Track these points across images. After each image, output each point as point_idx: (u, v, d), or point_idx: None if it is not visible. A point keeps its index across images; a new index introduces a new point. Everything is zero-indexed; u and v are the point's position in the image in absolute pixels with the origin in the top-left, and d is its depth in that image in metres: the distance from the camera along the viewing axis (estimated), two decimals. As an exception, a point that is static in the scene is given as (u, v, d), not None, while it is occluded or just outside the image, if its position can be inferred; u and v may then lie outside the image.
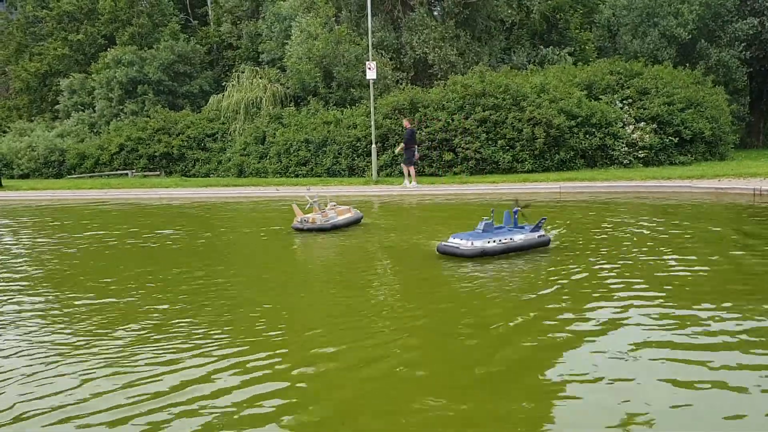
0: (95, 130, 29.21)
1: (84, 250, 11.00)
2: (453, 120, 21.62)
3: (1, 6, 39.82)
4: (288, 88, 26.54)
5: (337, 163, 23.04)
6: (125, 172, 26.21)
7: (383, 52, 25.88)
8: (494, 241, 8.91)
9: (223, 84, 28.97)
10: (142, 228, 13.77)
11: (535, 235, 9.20)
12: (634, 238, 9.87)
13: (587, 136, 21.14)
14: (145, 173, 25.96)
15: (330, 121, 23.74)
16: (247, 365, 5.05)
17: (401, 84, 25.58)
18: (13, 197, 22.59)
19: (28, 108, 34.30)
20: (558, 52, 27.71)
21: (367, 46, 22.97)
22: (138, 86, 28.81)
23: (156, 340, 5.75)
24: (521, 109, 21.39)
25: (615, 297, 6.57)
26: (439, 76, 25.47)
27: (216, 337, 5.79)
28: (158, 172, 26.02)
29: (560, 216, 12.75)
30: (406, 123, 20.08)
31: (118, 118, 28.71)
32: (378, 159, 21.63)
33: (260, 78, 26.86)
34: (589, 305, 6.34)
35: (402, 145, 19.81)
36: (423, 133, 21.71)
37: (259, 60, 29.01)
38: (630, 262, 8.13)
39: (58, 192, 22.72)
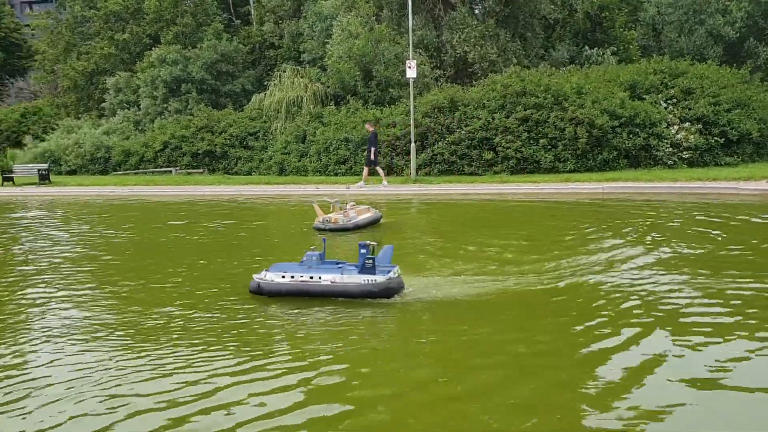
0: (140, 128, 29.78)
1: (144, 242, 11.28)
2: (494, 119, 21.52)
3: (51, 6, 40.91)
4: (328, 87, 26.71)
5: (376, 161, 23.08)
6: (169, 169, 26.68)
7: (423, 50, 25.87)
8: (291, 277, 7.15)
9: (264, 83, 29.28)
10: (188, 222, 14.05)
11: (362, 278, 6.98)
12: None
13: (631, 136, 20.81)
14: (189, 171, 26.39)
15: (369, 119, 23.81)
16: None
17: (441, 82, 25.54)
18: (61, 192, 23.21)
19: (75, 106, 35.11)
20: (601, 53, 27.31)
21: (407, 44, 22.98)
22: (182, 85, 29.30)
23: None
24: (563, 108, 21.17)
25: None
26: (479, 75, 25.36)
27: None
28: (201, 170, 26.43)
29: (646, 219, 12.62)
30: (368, 126, 21.00)
31: (163, 116, 29.22)
32: (417, 158, 21.64)
33: (301, 77, 27.07)
34: None
35: (374, 149, 20.33)
36: (463, 132, 21.66)
37: (301, 59, 29.24)
38: None
39: (104, 188, 23.27)
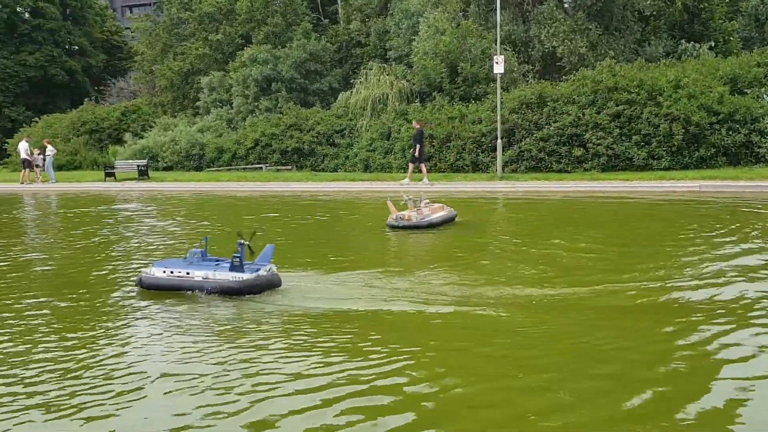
0: (232, 126, 30.75)
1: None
2: (584, 114, 20.99)
3: (149, 9, 42.83)
4: (414, 84, 26.77)
5: (461, 158, 22.99)
6: (259, 166, 27.45)
7: (510, 45, 25.51)
8: (170, 272, 7.49)
9: (351, 81, 29.64)
10: (274, 216, 14.42)
11: (230, 275, 7.25)
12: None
13: (730, 132, 19.83)
14: (278, 167, 27.06)
15: (454, 116, 23.72)
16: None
17: (528, 78, 25.12)
18: (159, 187, 24.28)
19: (171, 104, 36.62)
20: (699, 47, 26.08)
21: (494, 40, 22.73)
22: (272, 84, 30.05)
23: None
24: (657, 104, 20.42)
25: None
26: (567, 69, 24.78)
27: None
28: (290, 167, 27.04)
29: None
30: (415, 124, 21.11)
31: (254, 114, 30.07)
32: (503, 154, 21.38)
33: (387, 75, 27.25)
34: None
35: (419, 146, 20.53)
36: (551, 128, 21.24)
37: (387, 57, 29.43)
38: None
39: (198, 184, 24.18)
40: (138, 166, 27.60)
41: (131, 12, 72.82)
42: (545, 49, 25.47)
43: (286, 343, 5.68)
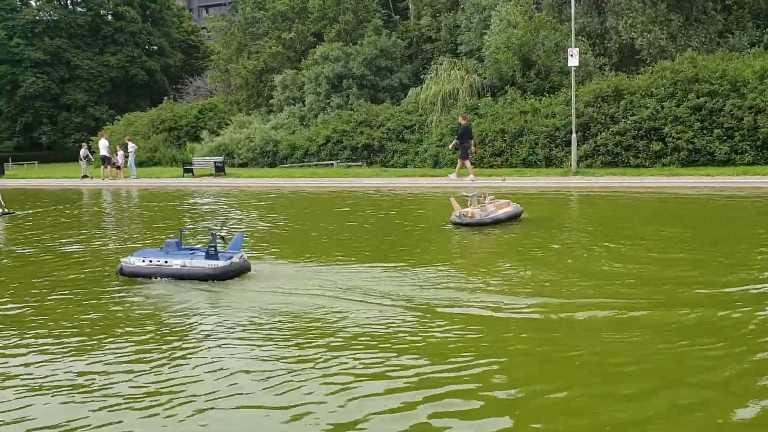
0: (305, 123, 31.24)
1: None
2: (662, 107, 20.34)
3: (224, 9, 43.93)
4: (485, 78, 26.54)
5: (534, 153, 22.66)
6: (331, 162, 27.80)
7: (585, 38, 24.95)
8: (147, 261, 8.15)
9: (421, 77, 29.62)
10: (348, 210, 14.59)
11: (206, 263, 7.85)
12: None
13: (822, 124, 18.83)
14: (349, 164, 27.34)
15: (527, 110, 23.39)
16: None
17: (604, 71, 24.50)
18: (235, 183, 24.93)
19: (246, 102, 37.48)
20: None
21: (569, 32, 22.28)
22: (343, 81, 30.36)
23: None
24: (741, 95, 19.58)
25: None
26: (647, 62, 24.03)
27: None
28: (360, 163, 27.28)
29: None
30: (461, 119, 21.28)
31: (325, 112, 30.46)
32: (578, 149, 20.96)
33: (458, 69, 27.10)
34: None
35: (456, 141, 21.02)
36: (628, 122, 20.68)
37: (458, 51, 29.26)
38: None
39: (272, 180, 24.70)
40: (215, 162, 28.41)
41: (207, 12, 74.84)
42: (622, 41, 24.79)
43: (362, 341, 5.73)
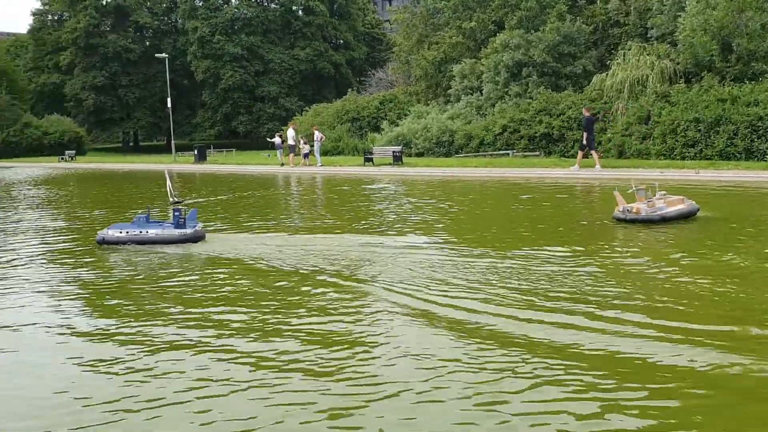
0: (481, 112, 31.05)
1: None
2: None
3: (407, 1, 44.71)
4: (678, 63, 24.70)
5: (732, 144, 20.77)
6: (506, 152, 27.41)
7: (799, 16, 22.35)
8: (125, 233, 10.52)
9: (607, 63, 28.24)
10: (514, 201, 14.33)
11: (176, 231, 10.36)
12: None
13: None
14: (525, 153, 26.79)
15: (725, 98, 21.47)
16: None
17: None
18: (412, 172, 25.40)
19: (425, 93, 37.97)
20: None
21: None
22: (523, 69, 29.74)
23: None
24: None
25: None
26: None
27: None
28: (537, 153, 26.62)
29: None
30: (585, 111, 21.72)
31: (503, 101, 30.05)
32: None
33: (647, 54, 25.48)
34: None
35: (586, 134, 21.27)
36: None
37: (647, 36, 27.51)
38: None
39: (447, 169, 24.85)
40: (393, 152, 29.13)
41: (390, 4, 76.68)
42: (844, 18, 21.93)
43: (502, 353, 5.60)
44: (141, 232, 10.49)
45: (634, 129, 23.74)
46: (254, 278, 8.04)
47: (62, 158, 52.74)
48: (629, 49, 26.30)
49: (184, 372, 5.01)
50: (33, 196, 22.20)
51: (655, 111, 23.34)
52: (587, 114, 21.57)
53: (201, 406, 4.37)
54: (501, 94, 30.44)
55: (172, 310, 6.79)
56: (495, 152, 27.89)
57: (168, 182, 15.79)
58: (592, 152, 21.52)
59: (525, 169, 22.72)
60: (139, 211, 11.64)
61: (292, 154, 31.69)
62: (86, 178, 34.47)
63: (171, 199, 15.71)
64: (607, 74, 26.52)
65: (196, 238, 10.47)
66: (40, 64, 77.47)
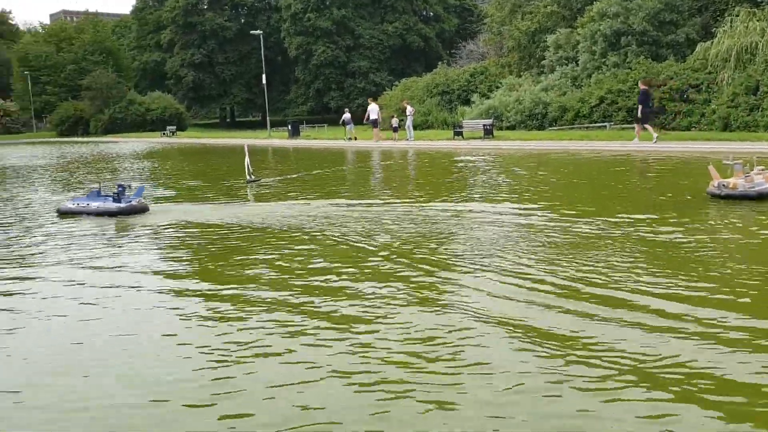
0: (576, 84, 30.24)
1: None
2: None
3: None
4: (793, 29, 23.20)
5: None
6: (603, 124, 26.64)
7: None
8: (75, 204, 12.19)
9: (712, 30, 26.83)
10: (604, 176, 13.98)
11: (113, 204, 11.65)
12: None
13: None
14: (623, 126, 25.95)
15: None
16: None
17: None
18: (504, 146, 25.14)
19: (518, 64, 37.26)
20: None
21: None
22: (621, 38, 28.68)
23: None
24: None
25: None
26: None
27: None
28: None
29: None
30: (641, 84, 21.56)
31: (600, 71, 29.15)
32: None
33: (758, 20, 24.05)
34: None
35: (641, 107, 21.10)
36: None
37: (759, 1, 25.92)
38: None
39: (540, 143, 24.42)
40: (483, 125, 28.86)
41: (482, -24, 75.24)
42: None
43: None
44: (87, 204, 12.00)
45: (741, 100, 22.53)
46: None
47: (164, 133, 55.27)
48: (737, 15, 24.91)
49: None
50: (136, 169, 23.52)
51: (764, 81, 22.06)
52: (644, 87, 21.33)
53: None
54: (598, 65, 29.52)
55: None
56: (591, 125, 27.16)
57: (246, 159, 16.35)
58: (646, 125, 21.25)
59: (622, 142, 22.03)
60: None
61: (377, 129, 32.02)
62: (184, 152, 36.10)
63: (248, 177, 16.22)
64: (712, 42, 25.23)
65: (132, 211, 11.63)
66: (143, 43, 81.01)
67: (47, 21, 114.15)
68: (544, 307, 5.50)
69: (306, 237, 9.00)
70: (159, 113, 67.08)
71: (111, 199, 11.80)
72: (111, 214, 11.55)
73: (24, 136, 75.79)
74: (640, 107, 21.30)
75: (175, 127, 58.16)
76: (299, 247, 8.38)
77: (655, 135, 20.93)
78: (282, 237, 9.12)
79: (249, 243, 8.82)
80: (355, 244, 8.37)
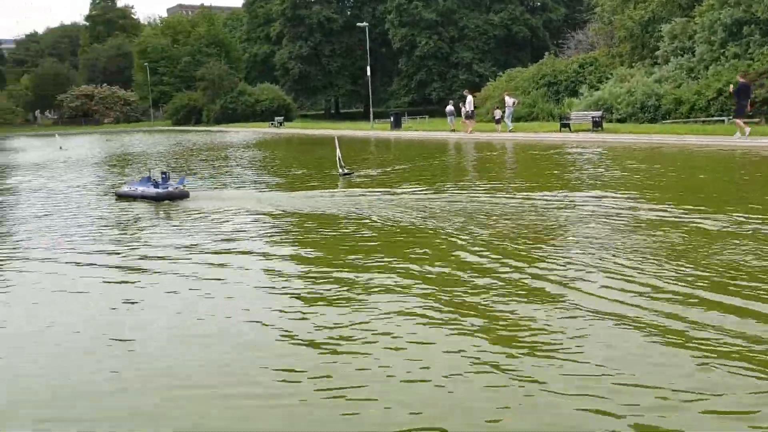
0: (693, 75, 28.91)
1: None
2: None
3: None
4: None
5: None
6: (722, 119, 25.38)
7: None
8: (129, 188, 14.16)
9: None
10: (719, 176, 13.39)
11: (153, 190, 13.22)
12: None
13: None
14: (744, 120, 24.59)
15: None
16: None
17: None
18: (614, 139, 24.41)
19: (629, 55, 35.97)
20: None
21: None
22: (743, 27, 27.16)
23: None
24: None
25: None
26: None
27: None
28: (758, 119, 24.35)
29: None
30: (739, 77, 21.33)
31: (718, 62, 27.74)
32: None
33: None
34: None
35: (737, 99, 20.87)
36: None
37: None
38: None
39: (653, 136, 23.54)
40: (592, 117, 28.10)
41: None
42: None
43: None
44: (136, 189, 13.61)
45: None
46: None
47: (272, 124, 57.12)
48: None
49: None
50: (247, 157, 24.70)
51: None
52: (741, 80, 21.11)
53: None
54: (716, 56, 28.11)
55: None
56: (708, 119, 25.95)
57: (338, 151, 16.64)
58: (737, 120, 20.86)
59: (743, 137, 20.94)
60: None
61: (469, 120, 31.82)
62: (292, 142, 37.31)
63: (340, 171, 16.46)
64: None
65: (169, 196, 12.92)
66: (253, 36, 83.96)
67: (165, 14, 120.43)
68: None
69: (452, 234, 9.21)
70: (267, 104, 69.31)
71: (152, 185, 13.36)
72: (151, 198, 13.10)
73: (142, 124, 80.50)
74: (736, 100, 21.19)
75: (282, 117, 59.98)
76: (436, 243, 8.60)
77: (747, 129, 20.35)
78: (414, 233, 9.39)
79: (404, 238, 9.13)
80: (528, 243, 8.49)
